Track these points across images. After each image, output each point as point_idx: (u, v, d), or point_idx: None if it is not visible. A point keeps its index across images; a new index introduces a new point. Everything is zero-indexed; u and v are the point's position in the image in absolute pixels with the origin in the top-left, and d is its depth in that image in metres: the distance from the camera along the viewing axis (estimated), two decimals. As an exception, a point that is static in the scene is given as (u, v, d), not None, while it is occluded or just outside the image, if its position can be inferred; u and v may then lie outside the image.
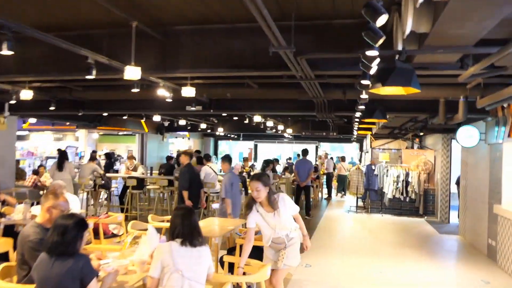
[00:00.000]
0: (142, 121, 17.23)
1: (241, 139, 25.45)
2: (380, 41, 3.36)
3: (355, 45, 4.83)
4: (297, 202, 12.35)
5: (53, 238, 3.16)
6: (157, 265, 3.44)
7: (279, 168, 17.22)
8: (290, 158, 22.83)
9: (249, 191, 4.56)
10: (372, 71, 4.19)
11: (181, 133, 22.34)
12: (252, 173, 12.35)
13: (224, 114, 14.54)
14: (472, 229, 9.52)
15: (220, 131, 18.58)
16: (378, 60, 3.86)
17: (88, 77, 5.45)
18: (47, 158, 19.23)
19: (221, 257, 5.31)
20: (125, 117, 15.00)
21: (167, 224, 4.05)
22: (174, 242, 3.54)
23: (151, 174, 13.79)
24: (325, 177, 18.27)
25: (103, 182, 11.85)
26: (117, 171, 15.35)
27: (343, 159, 18.64)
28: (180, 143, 25.57)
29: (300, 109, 9.73)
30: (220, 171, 11.49)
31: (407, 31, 3.73)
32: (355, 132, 15.03)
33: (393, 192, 13.16)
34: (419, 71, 4.90)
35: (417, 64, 4.88)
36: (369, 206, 14.05)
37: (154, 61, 6.30)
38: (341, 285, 6.65)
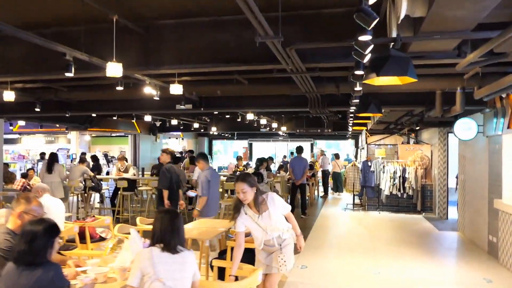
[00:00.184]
0: (134, 122, 17.00)
1: (235, 138, 25.22)
2: (373, 23, 3.10)
3: (346, 35, 4.61)
4: (292, 200, 12.15)
5: (20, 247, 2.90)
6: (137, 273, 3.17)
7: (274, 167, 16.99)
8: (285, 156, 22.59)
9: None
10: (366, 59, 3.93)
11: (174, 133, 22.13)
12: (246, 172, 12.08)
13: (215, 112, 14.33)
14: (472, 225, 9.29)
15: (213, 130, 18.38)
16: (371, 46, 3.60)
17: (67, 74, 5.19)
18: (39, 161, 18.96)
19: (211, 261, 5.06)
20: (114, 118, 14.76)
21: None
22: (155, 248, 3.26)
23: (142, 175, 13.51)
24: (320, 174, 18.05)
25: (93, 184, 11.60)
26: (108, 173, 15.09)
27: (337, 156, 18.44)
28: (174, 144, 25.33)
29: (293, 105, 9.50)
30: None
31: (402, 15, 3.49)
32: (350, 128, 14.81)
33: (390, 189, 12.92)
34: (415, 60, 4.64)
35: (412, 53, 4.63)
36: (366, 203, 13.82)
37: (136, 57, 6.05)
38: (338, 286, 6.40)
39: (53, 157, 11.23)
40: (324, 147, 25.67)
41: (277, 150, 27.13)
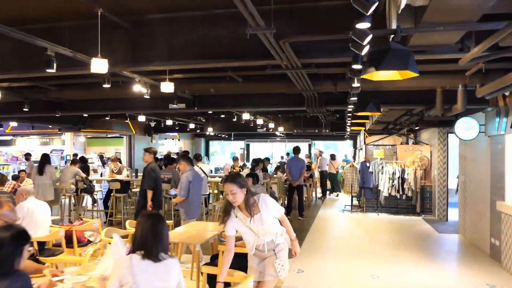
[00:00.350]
0: (129, 122, 16.74)
1: (232, 139, 24.96)
2: (372, 8, 2.85)
3: (343, 28, 4.36)
4: (289, 202, 11.91)
5: (-15, 256, 2.63)
6: (115, 283, 2.90)
7: (271, 168, 16.74)
8: (282, 157, 22.33)
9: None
10: (364, 51, 3.67)
11: (170, 134, 21.86)
12: (242, 173, 11.84)
13: (210, 112, 14.07)
14: (473, 227, 9.03)
15: (210, 131, 18.13)
16: (370, 36, 3.34)
17: (48, 70, 4.93)
18: (34, 162, 18.70)
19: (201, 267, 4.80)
20: (107, 118, 14.49)
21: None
22: (135, 255, 2.99)
23: (136, 176, 13.23)
24: (318, 175, 17.81)
25: (85, 186, 11.33)
26: (102, 175, 14.85)
27: (332, 157, 18.22)
28: (170, 144, 25.08)
29: (289, 104, 9.27)
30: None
31: (403, 4, 3.24)
32: (348, 129, 14.59)
33: (389, 190, 12.67)
34: (415, 56, 4.38)
35: (413, 47, 4.37)
36: (364, 205, 13.58)
37: (124, 54, 5.80)
38: (335, 292, 6.16)
39: (45, 159, 10.98)
40: (322, 147, 25.42)
41: (275, 151, 26.87)
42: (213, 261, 5.30)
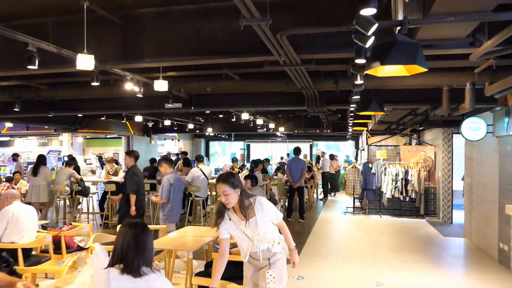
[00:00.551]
0: (127, 122, 16.45)
1: (232, 139, 24.66)
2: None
3: (343, 20, 4.05)
4: (290, 204, 11.61)
5: None
6: (91, 301, 2.61)
7: (271, 169, 16.44)
8: (282, 158, 22.03)
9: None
10: (369, 43, 3.36)
11: (169, 134, 21.57)
12: (241, 174, 11.53)
13: (208, 112, 13.78)
14: (480, 231, 8.71)
15: (209, 131, 17.85)
16: (375, 25, 3.03)
17: (29, 67, 4.63)
18: (30, 164, 18.46)
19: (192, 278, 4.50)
20: (103, 118, 14.20)
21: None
22: (113, 269, 2.69)
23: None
24: (320, 177, 17.56)
25: (80, 188, 11.03)
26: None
27: (331, 157, 17.99)
28: (169, 145, 24.80)
29: (289, 103, 8.96)
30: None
31: (410, -8, 2.93)
32: (350, 129, 14.30)
33: (392, 192, 12.37)
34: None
35: (420, 41, 4.03)
36: (367, 206, 13.27)
37: (114, 50, 5.52)
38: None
39: (40, 159, 10.81)
40: (324, 148, 25.13)
41: (276, 151, 26.55)
42: (207, 269, 5.00)
